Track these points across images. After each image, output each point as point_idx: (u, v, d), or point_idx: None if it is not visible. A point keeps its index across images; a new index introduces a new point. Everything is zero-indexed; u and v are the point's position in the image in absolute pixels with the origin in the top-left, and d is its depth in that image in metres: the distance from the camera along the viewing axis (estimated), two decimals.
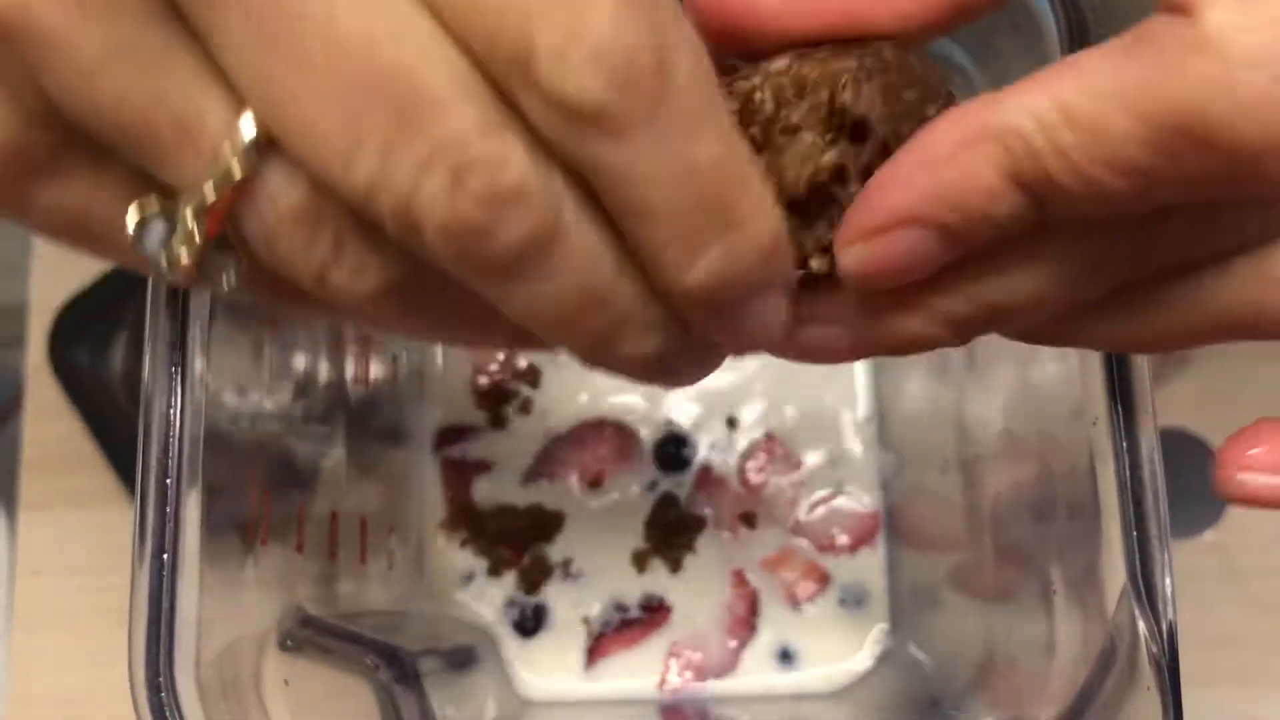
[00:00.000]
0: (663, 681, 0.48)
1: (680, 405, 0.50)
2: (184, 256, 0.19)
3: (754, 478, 0.50)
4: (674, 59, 0.17)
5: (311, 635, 0.35)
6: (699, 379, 0.22)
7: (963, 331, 0.21)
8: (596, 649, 0.49)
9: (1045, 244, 0.20)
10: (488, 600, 0.49)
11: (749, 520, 0.50)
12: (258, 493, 0.34)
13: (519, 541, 0.49)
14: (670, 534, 0.49)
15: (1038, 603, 0.35)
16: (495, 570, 0.49)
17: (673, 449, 0.50)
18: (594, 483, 0.50)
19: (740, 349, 0.21)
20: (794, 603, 0.49)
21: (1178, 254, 0.20)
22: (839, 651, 0.48)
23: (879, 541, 0.49)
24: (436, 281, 0.19)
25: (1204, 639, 0.48)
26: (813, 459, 0.50)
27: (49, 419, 0.51)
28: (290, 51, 0.17)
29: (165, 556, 0.29)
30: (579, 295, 0.19)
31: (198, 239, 0.19)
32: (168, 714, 0.28)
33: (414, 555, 0.48)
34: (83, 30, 0.17)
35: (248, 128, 0.18)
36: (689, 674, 0.48)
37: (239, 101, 0.18)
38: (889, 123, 0.20)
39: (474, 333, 0.21)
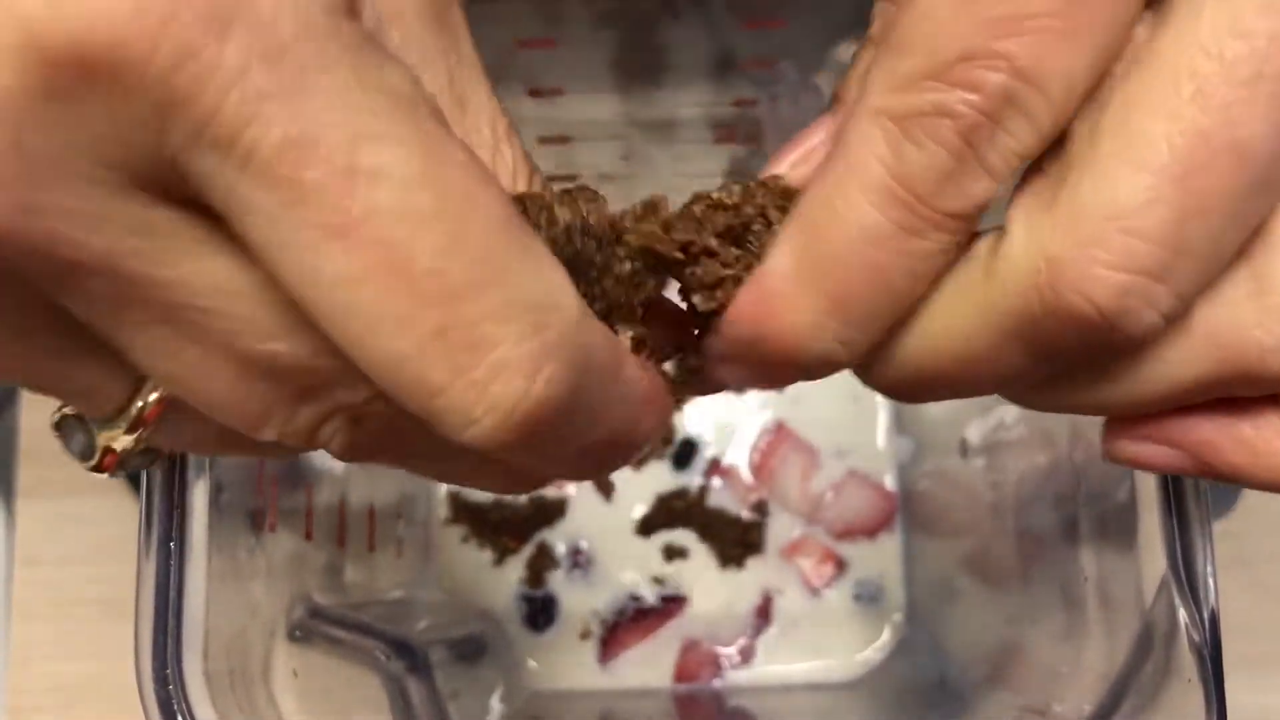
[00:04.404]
0: (678, 672, 0.48)
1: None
2: (100, 470, 0.22)
3: (766, 466, 0.49)
4: (583, 381, 0.18)
5: (320, 625, 0.34)
6: None
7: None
8: (611, 641, 0.48)
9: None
10: (497, 592, 0.48)
11: (761, 509, 0.49)
12: (265, 480, 0.33)
13: (522, 530, 0.49)
14: (680, 523, 0.49)
15: (1063, 591, 0.35)
16: (500, 560, 0.49)
17: (684, 450, 0.50)
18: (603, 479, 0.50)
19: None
20: (810, 589, 0.48)
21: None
22: (855, 641, 0.48)
23: (896, 528, 0.49)
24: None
25: None
26: (827, 445, 0.49)
27: (46, 407, 0.50)
28: (194, 364, 0.18)
29: (172, 545, 0.28)
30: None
31: (106, 458, 0.21)
32: (175, 706, 0.27)
33: (422, 544, 0.48)
34: None
35: (152, 395, 0.20)
36: (704, 664, 0.48)
37: (137, 379, 0.20)
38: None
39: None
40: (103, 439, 0.21)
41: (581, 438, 0.19)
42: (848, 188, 0.19)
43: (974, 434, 0.43)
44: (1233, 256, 0.19)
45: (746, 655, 0.48)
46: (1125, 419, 0.23)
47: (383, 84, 0.17)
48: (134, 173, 0.16)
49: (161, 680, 0.27)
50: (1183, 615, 0.27)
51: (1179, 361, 0.20)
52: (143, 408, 0.20)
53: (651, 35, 0.40)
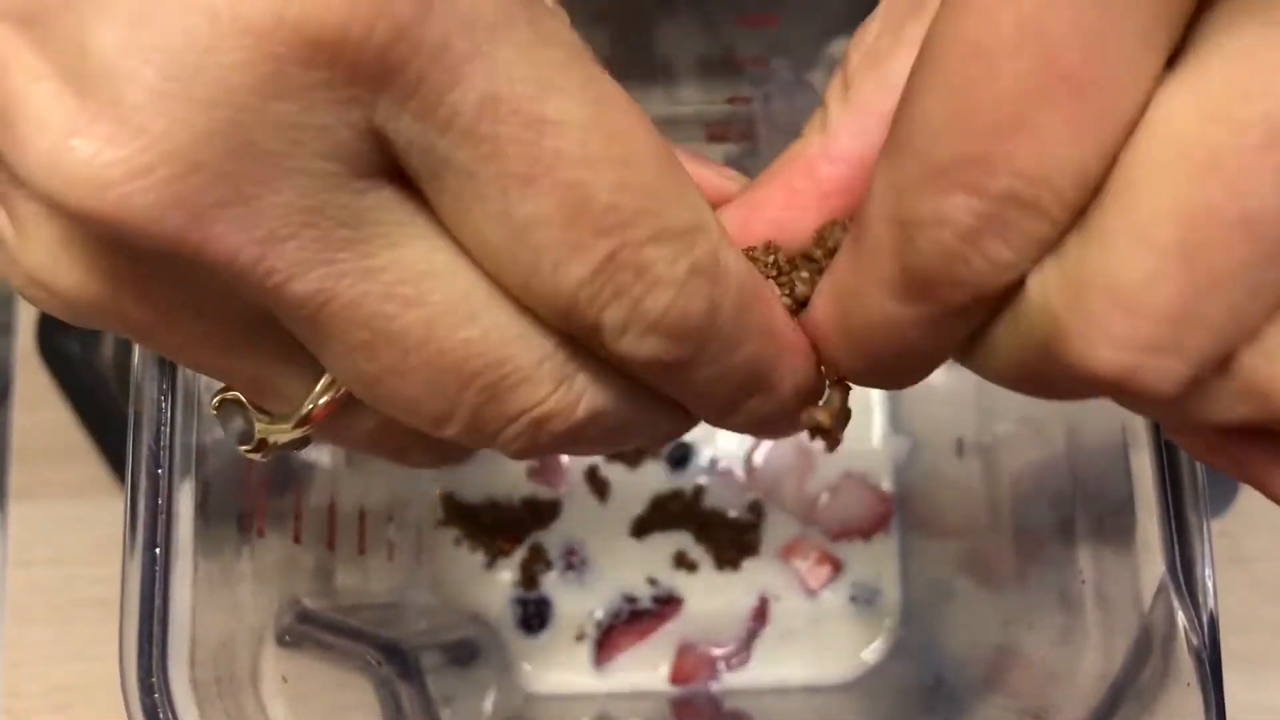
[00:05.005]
0: (674, 674, 0.47)
1: None
2: (254, 453, 0.22)
3: (762, 466, 0.49)
4: (722, 299, 0.20)
5: (310, 630, 0.34)
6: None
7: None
8: (606, 643, 0.48)
9: None
10: (490, 595, 0.48)
11: (757, 510, 0.49)
12: (253, 483, 0.33)
13: (515, 532, 0.48)
14: (675, 525, 0.48)
15: (1060, 593, 0.34)
16: (492, 563, 0.48)
17: (680, 452, 0.50)
18: (598, 478, 0.49)
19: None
20: (807, 591, 0.48)
21: None
22: (851, 642, 0.47)
23: (892, 529, 0.48)
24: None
25: None
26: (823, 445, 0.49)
27: (39, 408, 0.50)
28: (392, 363, 0.19)
29: (157, 550, 0.27)
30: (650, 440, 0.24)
31: (263, 446, 0.22)
32: (160, 714, 0.27)
33: (414, 546, 0.47)
34: (164, 329, 0.20)
35: (324, 397, 0.21)
36: (700, 667, 0.47)
37: (316, 375, 0.21)
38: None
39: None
40: (263, 430, 0.22)
41: (725, 358, 0.20)
42: (866, 280, 0.19)
43: (970, 434, 0.43)
44: (1263, 317, 0.18)
45: (743, 657, 0.48)
46: None
47: (553, 36, 0.18)
48: (347, 160, 0.17)
49: (147, 688, 0.27)
50: (1181, 618, 0.27)
51: (1222, 403, 0.19)
52: (313, 409, 0.21)
53: (645, 33, 0.39)
